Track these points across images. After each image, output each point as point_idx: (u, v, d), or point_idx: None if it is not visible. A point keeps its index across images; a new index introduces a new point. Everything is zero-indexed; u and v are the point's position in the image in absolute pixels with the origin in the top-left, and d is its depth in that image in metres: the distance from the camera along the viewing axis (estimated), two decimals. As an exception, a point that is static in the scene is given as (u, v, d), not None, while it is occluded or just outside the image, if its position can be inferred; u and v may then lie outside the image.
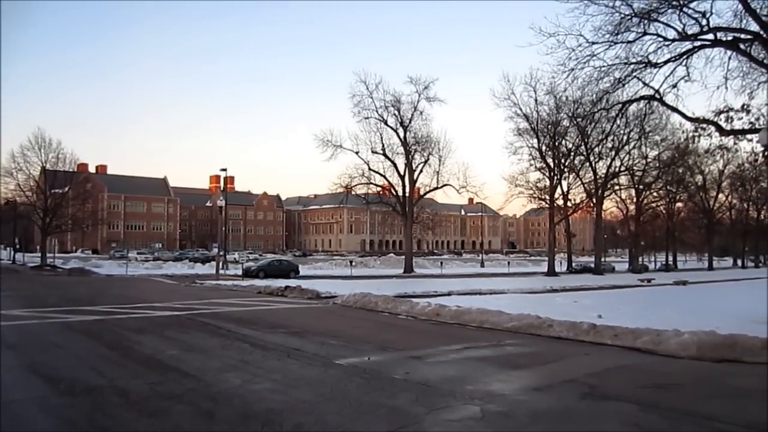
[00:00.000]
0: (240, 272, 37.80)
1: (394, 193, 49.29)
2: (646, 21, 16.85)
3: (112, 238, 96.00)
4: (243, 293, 23.46)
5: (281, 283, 26.31)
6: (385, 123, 47.47)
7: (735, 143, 22.40)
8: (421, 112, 47.48)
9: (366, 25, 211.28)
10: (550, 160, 50.32)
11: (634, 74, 17.67)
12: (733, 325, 12.19)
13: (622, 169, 55.22)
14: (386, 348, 10.31)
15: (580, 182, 54.66)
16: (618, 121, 37.61)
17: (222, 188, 72.63)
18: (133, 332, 11.53)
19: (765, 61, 16.97)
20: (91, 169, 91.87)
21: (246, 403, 6.27)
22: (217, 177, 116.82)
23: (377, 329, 13.23)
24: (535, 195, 53.68)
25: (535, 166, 51.53)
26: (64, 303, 16.98)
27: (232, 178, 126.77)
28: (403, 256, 52.05)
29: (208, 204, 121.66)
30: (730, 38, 16.57)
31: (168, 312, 15.24)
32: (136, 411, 5.96)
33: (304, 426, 5.50)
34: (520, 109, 48.84)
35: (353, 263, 52.11)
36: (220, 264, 37.50)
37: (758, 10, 15.91)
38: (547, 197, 52.06)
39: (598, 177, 53.07)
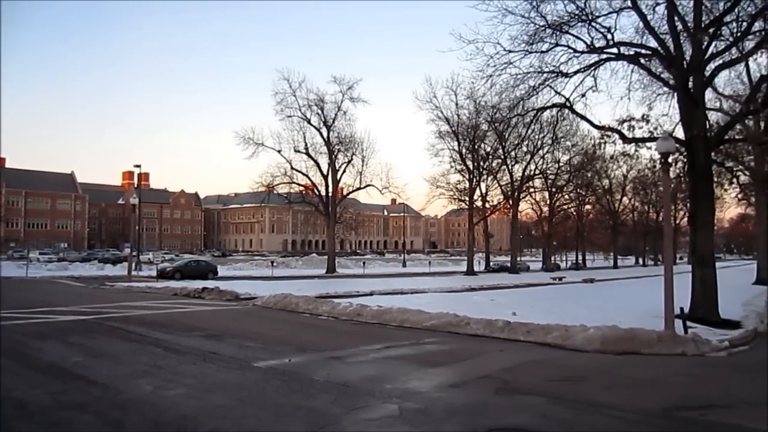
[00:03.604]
0: (154, 273, 36.24)
1: (317, 192, 48.95)
2: (558, 33, 17.73)
3: (10, 236, 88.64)
4: (157, 295, 22.48)
5: (198, 284, 25.49)
6: (309, 122, 47.10)
7: (636, 150, 24.07)
8: (345, 112, 47.51)
9: (289, 24, 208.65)
10: (469, 163, 51.82)
11: (547, 83, 18.52)
12: (633, 319, 13.13)
13: (537, 172, 57.87)
14: (306, 349, 10.24)
15: (497, 184, 56.79)
16: (533, 127, 39.23)
17: (136, 185, 69.21)
18: (32, 338, 10.74)
19: (662, 75, 18.36)
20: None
21: (158, 410, 6.02)
22: (131, 173, 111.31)
23: (297, 330, 13.12)
24: (455, 196, 55.12)
25: (456, 168, 52.97)
26: (-47, 308, 15.51)
27: (147, 174, 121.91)
28: (326, 257, 51.78)
29: (120, 201, 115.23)
30: (632, 53, 17.78)
31: (73, 316, 14.32)
32: (34, 423, 5.57)
33: (219, 431, 5.37)
34: (442, 113, 50.07)
35: (274, 263, 51.23)
36: (133, 265, 35.74)
37: (657, 29, 17.20)
38: (467, 198, 53.57)
39: (514, 180, 55.27)
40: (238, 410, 6.07)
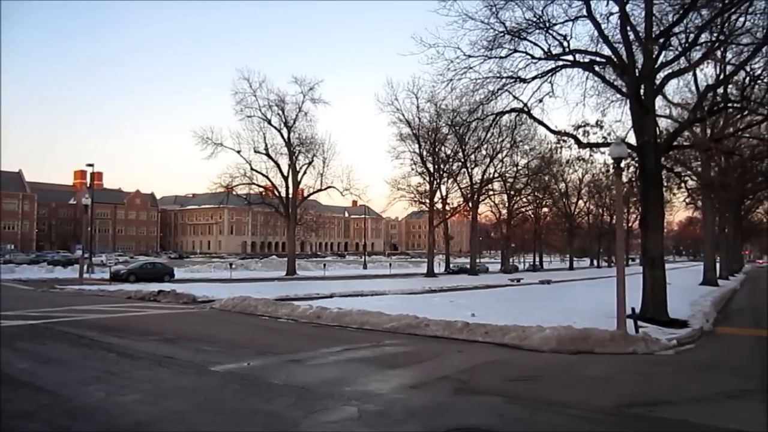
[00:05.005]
0: (107, 276, 35.11)
1: (277, 194, 48.44)
2: (516, 39, 18.09)
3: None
4: (110, 299, 21.83)
5: (154, 287, 24.83)
6: (269, 122, 46.54)
7: (591, 155, 24.83)
8: (306, 113, 47.15)
9: (249, 23, 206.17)
10: (430, 165, 52.26)
11: (505, 88, 18.84)
12: (588, 319, 13.49)
13: (496, 175, 58.71)
14: (265, 352, 10.13)
15: (457, 187, 57.43)
16: (492, 131, 40.07)
17: (88, 185, 67.04)
18: (-24, 345, 10.27)
19: (615, 83, 18.96)
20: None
21: (110, 417, 5.86)
22: (83, 172, 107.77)
23: (256, 334, 12.96)
24: (416, 198, 55.51)
25: (416, 171, 53.34)
26: None
27: (101, 174, 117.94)
28: (286, 259, 51.30)
29: (71, 201, 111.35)
30: (587, 60, 18.30)
31: (20, 321, 13.75)
32: (-23, 433, 5.34)
33: (174, 438, 5.26)
34: (403, 115, 50.33)
35: (233, 266, 50.39)
36: (85, 267, 34.59)
37: (611, 37, 17.75)
38: (427, 201, 54.01)
39: (474, 182, 55.98)
40: (195, 415, 5.96)
